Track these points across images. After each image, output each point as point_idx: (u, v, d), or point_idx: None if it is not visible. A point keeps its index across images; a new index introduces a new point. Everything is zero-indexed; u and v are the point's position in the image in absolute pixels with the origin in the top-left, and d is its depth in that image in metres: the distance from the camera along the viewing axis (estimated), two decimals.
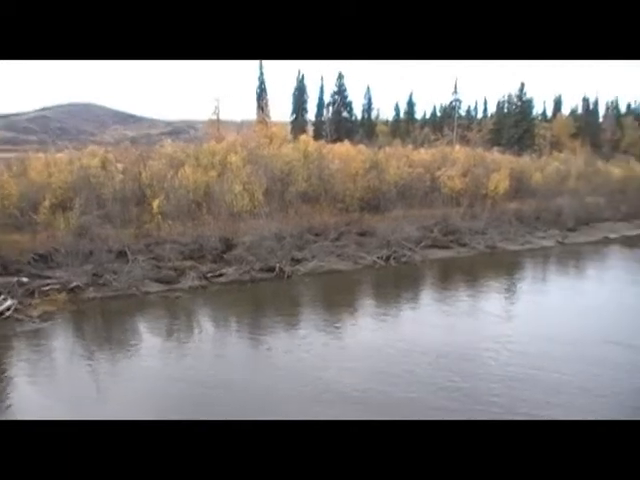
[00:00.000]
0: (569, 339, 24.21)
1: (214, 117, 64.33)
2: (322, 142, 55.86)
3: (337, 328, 25.92)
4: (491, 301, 31.37)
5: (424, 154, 55.18)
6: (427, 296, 32.76)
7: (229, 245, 36.02)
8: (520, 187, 54.88)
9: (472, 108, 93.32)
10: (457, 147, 56.72)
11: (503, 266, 41.02)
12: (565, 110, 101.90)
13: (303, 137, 53.79)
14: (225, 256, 35.12)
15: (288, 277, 34.27)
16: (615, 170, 71.16)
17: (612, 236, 53.69)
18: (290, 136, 64.36)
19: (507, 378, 19.90)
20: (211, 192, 39.64)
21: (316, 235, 40.39)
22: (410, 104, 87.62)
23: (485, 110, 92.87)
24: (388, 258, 39.00)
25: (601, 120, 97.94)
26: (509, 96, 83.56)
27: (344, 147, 52.28)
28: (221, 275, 33.62)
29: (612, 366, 21.13)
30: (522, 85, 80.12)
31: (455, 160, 50.96)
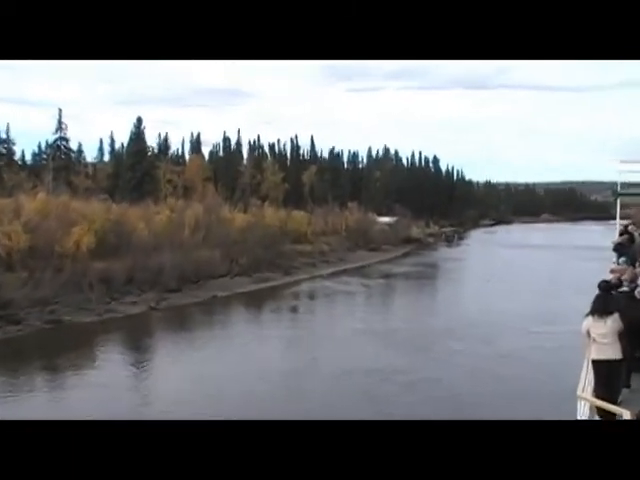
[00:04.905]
0: None
1: None
2: None
3: None
4: None
5: None
6: None
7: None
8: (119, 242, 46.52)
9: (97, 148, 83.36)
10: (40, 196, 46.03)
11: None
12: (206, 151, 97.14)
13: None
14: None
15: None
16: (240, 217, 66.78)
17: (222, 294, 48.09)
18: None
19: None
20: None
21: None
22: (4, 142, 70.34)
23: (113, 151, 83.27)
24: None
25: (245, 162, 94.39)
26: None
27: None
28: None
29: None
30: (139, 120, 71.77)
31: (22, 213, 40.44)
